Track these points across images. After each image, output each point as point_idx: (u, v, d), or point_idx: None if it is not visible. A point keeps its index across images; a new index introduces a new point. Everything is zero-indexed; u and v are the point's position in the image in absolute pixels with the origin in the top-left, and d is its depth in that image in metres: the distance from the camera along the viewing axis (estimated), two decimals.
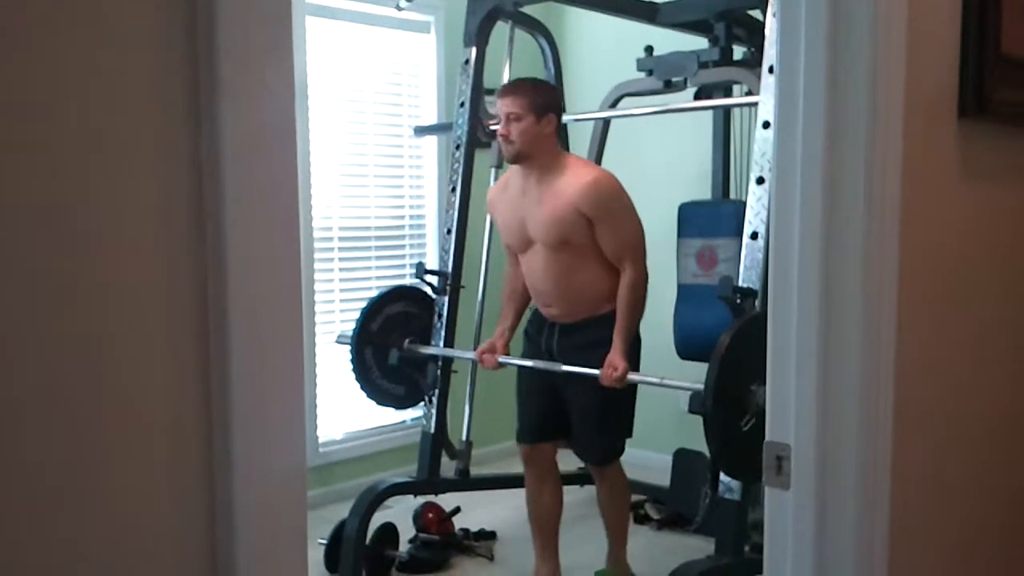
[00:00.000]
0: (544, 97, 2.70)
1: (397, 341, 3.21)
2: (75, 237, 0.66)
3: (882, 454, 1.30)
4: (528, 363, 2.81)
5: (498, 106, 2.70)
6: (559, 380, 2.76)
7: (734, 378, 2.31)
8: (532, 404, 2.89)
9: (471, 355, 3.03)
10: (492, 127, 3.17)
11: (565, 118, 3.81)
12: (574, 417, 2.78)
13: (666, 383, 2.61)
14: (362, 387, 3.24)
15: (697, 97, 3.53)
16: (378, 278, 4.13)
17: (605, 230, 2.64)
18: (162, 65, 0.70)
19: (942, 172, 1.48)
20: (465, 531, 3.35)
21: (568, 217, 2.62)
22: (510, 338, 2.98)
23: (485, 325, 3.38)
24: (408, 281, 3.85)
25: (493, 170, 3.49)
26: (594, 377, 2.62)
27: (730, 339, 2.32)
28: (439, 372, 3.24)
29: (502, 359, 2.90)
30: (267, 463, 0.78)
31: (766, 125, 2.57)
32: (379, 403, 3.33)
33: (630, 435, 2.85)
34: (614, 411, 2.74)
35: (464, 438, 3.35)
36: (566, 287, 2.72)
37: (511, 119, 2.64)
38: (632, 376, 2.62)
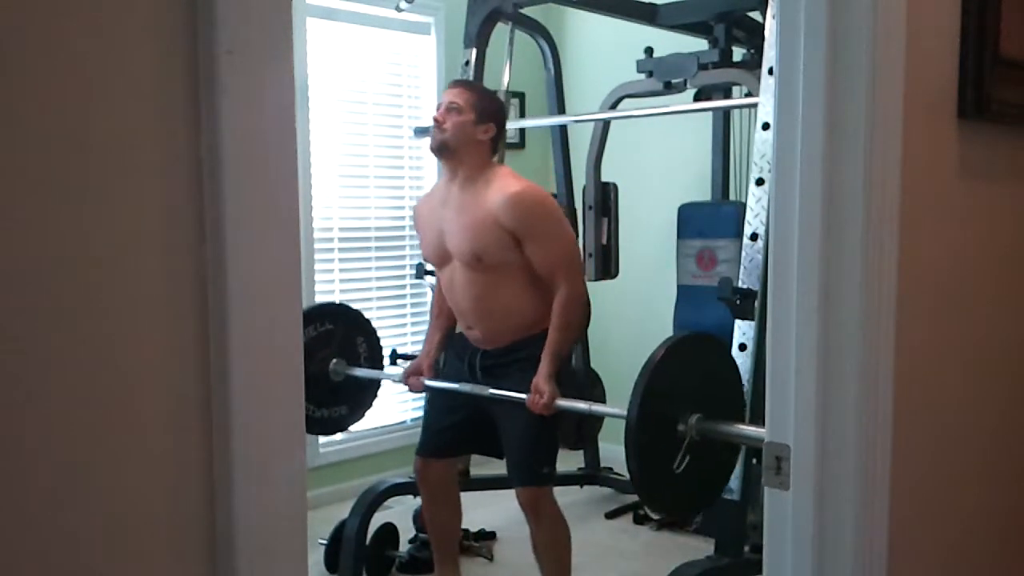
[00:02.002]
0: (491, 105, 2.58)
1: (323, 364, 2.97)
2: (75, 237, 0.66)
3: (882, 454, 1.30)
4: (454, 386, 2.65)
5: (443, 95, 2.58)
6: (484, 400, 2.59)
7: (661, 410, 2.08)
8: (439, 421, 2.75)
9: (397, 375, 2.88)
10: None
11: (565, 119, 3.83)
12: (503, 438, 2.60)
13: (595, 410, 2.49)
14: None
15: (697, 99, 3.54)
16: (378, 278, 4.14)
17: (534, 247, 2.45)
18: (162, 65, 0.70)
19: (941, 173, 1.48)
20: (465, 531, 3.35)
21: (486, 231, 2.44)
22: (436, 358, 2.82)
23: None
24: (329, 299, 3.81)
25: None
26: (521, 390, 2.47)
27: (658, 362, 2.10)
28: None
29: (428, 382, 2.75)
30: (267, 463, 0.78)
31: (766, 126, 2.57)
32: (323, 433, 3.18)
33: (554, 461, 2.60)
34: (540, 426, 2.51)
35: None
36: (486, 309, 2.55)
37: (450, 108, 2.51)
38: (560, 402, 2.42)
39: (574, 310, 2.50)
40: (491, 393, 2.55)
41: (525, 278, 2.50)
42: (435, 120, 2.52)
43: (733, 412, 2.22)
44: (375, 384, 3.06)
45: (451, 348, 2.79)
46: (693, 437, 2.04)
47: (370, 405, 3.11)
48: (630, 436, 2.01)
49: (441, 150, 2.53)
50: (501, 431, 2.60)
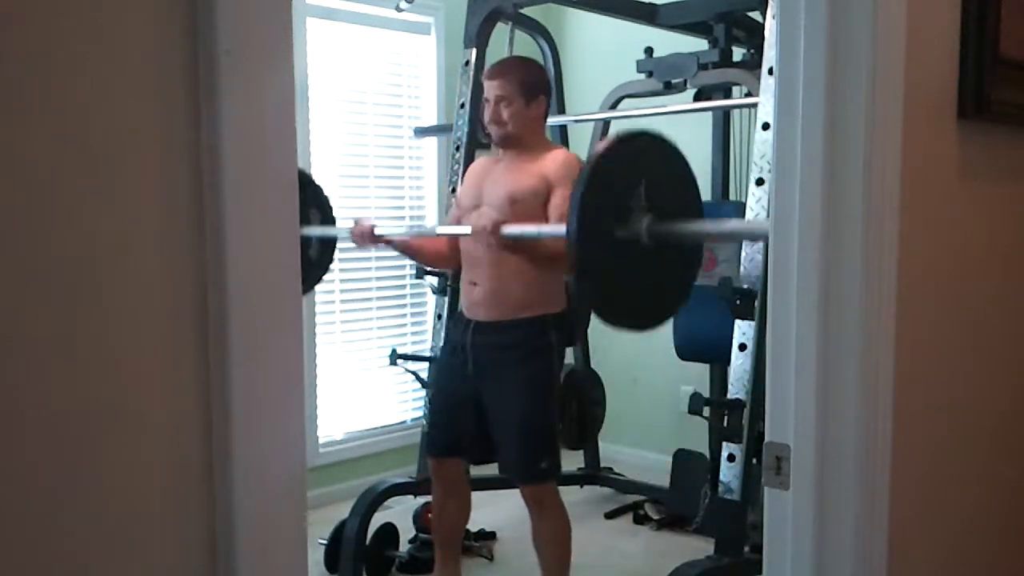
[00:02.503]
0: (532, 79, 2.59)
1: None
2: (75, 237, 0.66)
3: (882, 454, 1.30)
4: (400, 231, 2.61)
5: (486, 88, 2.59)
6: (476, 387, 2.60)
7: (604, 216, 1.89)
8: (445, 418, 2.75)
9: (345, 232, 2.78)
10: None
11: (565, 119, 3.83)
12: (493, 427, 2.60)
13: (543, 231, 2.34)
14: None
15: (697, 99, 3.54)
16: (378, 278, 4.14)
17: (559, 192, 2.44)
18: (162, 65, 0.70)
19: (941, 172, 1.48)
20: (465, 531, 3.35)
21: (529, 178, 2.50)
22: (389, 237, 2.75)
23: None
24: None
25: None
26: (512, 383, 2.49)
27: (595, 164, 1.91)
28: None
29: (378, 231, 2.70)
30: (267, 463, 0.78)
31: (765, 126, 2.57)
32: None
33: (557, 455, 2.62)
34: (534, 419, 2.53)
35: None
36: (500, 260, 2.50)
37: (500, 101, 2.54)
38: (507, 229, 2.35)
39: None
40: (479, 382, 2.52)
41: (542, 254, 2.46)
42: (492, 119, 2.56)
43: (689, 213, 2.03)
44: (329, 243, 2.95)
45: (447, 342, 2.80)
46: (645, 240, 1.91)
47: (326, 267, 2.99)
48: (576, 231, 1.88)
49: (507, 143, 2.59)
50: (493, 428, 2.59)
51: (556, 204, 2.47)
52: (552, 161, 2.53)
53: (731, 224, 2.75)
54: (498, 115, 2.55)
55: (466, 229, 2.48)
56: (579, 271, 1.96)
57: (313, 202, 2.93)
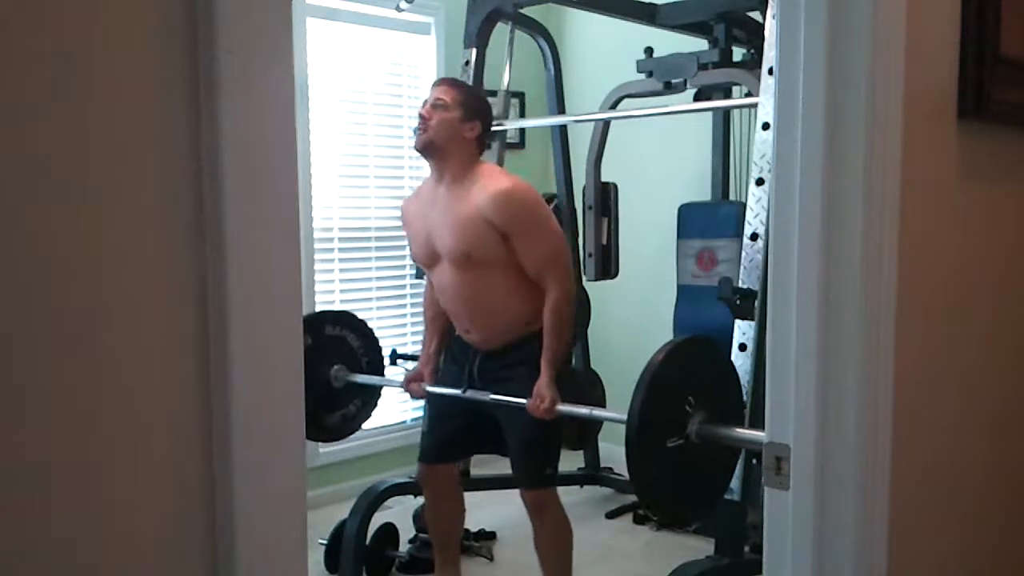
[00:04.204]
0: (476, 103, 2.54)
1: (324, 370, 2.94)
2: (75, 237, 0.66)
3: (882, 454, 1.30)
4: (456, 392, 2.64)
5: (429, 92, 2.55)
6: (486, 404, 2.59)
7: (661, 414, 2.03)
8: (441, 427, 2.75)
9: (398, 385, 2.86)
10: (495, 127, 3.13)
11: (565, 119, 3.83)
12: (508, 440, 2.60)
13: (596, 415, 2.48)
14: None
15: (697, 99, 3.54)
16: (378, 278, 4.14)
17: (521, 245, 2.43)
18: (162, 65, 0.70)
19: (942, 172, 1.48)
20: (465, 531, 3.35)
21: (474, 228, 2.41)
22: (437, 363, 2.80)
23: None
24: (329, 299, 3.80)
25: None
26: (521, 392, 2.47)
27: (658, 365, 2.06)
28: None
29: (430, 388, 2.74)
30: (267, 463, 0.78)
31: (766, 126, 2.57)
32: (326, 440, 3.18)
33: (556, 462, 2.63)
34: (544, 425, 2.51)
35: None
36: (478, 309, 2.53)
37: (436, 105, 2.48)
38: (561, 407, 2.42)
39: (565, 312, 2.49)
40: (492, 399, 2.55)
41: (515, 275, 2.48)
42: (420, 116, 2.50)
43: (733, 416, 2.21)
44: (376, 390, 3.06)
45: (449, 353, 2.79)
46: (694, 441, 2.03)
47: (371, 412, 3.10)
48: (631, 441, 1.99)
49: (427, 149, 2.50)
50: (505, 434, 2.60)
51: (525, 256, 2.44)
52: (485, 192, 2.42)
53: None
54: (427, 117, 2.48)
55: (520, 401, 2.47)
56: (638, 482, 2.05)
57: (365, 350, 3.03)
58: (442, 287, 2.59)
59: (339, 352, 2.97)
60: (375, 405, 3.09)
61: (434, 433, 2.79)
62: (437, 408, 2.80)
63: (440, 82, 2.60)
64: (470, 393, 2.60)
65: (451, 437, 2.73)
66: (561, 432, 2.61)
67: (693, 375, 2.14)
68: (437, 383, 2.75)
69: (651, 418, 2.02)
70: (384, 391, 3.10)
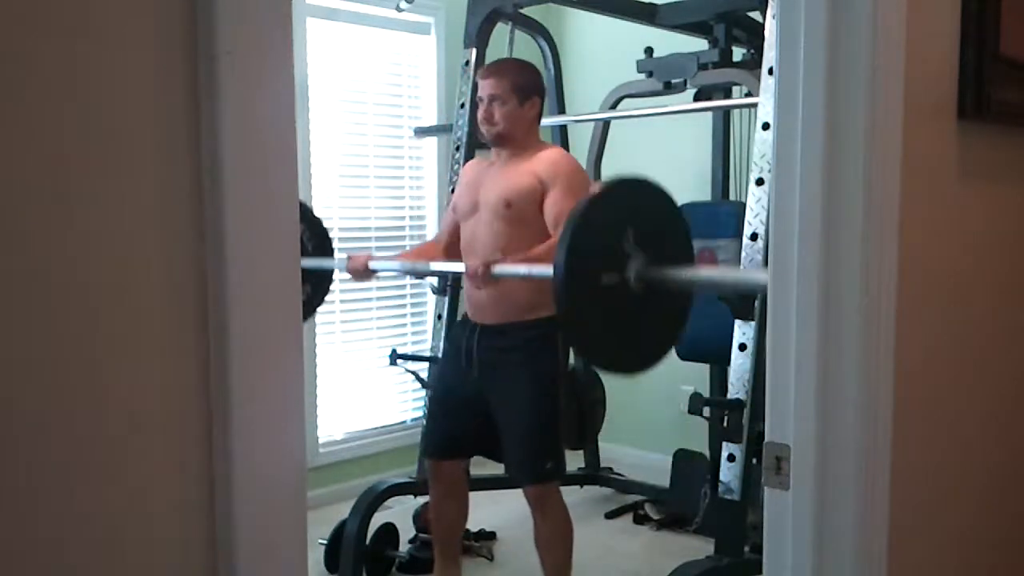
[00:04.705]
0: (527, 80, 2.62)
1: None
2: (75, 237, 0.66)
3: (882, 454, 1.30)
4: (395, 265, 2.77)
5: (480, 87, 2.62)
6: (481, 389, 2.61)
7: (593, 259, 1.90)
8: (444, 421, 2.76)
9: (341, 263, 2.83)
10: None
11: (565, 119, 3.83)
12: (499, 428, 2.60)
13: (532, 272, 2.26)
14: None
15: (697, 99, 3.54)
16: (378, 278, 4.13)
17: (552, 197, 2.50)
18: (162, 65, 0.70)
19: (942, 172, 1.48)
20: (465, 531, 3.35)
21: (519, 180, 2.53)
22: (390, 268, 2.88)
23: None
24: (328, 298, 3.74)
25: None
26: (518, 384, 2.51)
27: (584, 208, 1.93)
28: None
29: (373, 265, 2.76)
30: (267, 463, 0.78)
31: (765, 126, 2.57)
32: None
33: (561, 456, 2.62)
34: (540, 418, 2.54)
35: None
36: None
37: (493, 100, 2.58)
38: (498, 268, 2.34)
39: None
40: (483, 383, 2.54)
41: (537, 241, 2.48)
42: (484, 118, 2.60)
43: (681, 262, 2.06)
44: (327, 274, 2.98)
45: (448, 337, 2.80)
46: (634, 284, 1.91)
47: (323, 298, 3.02)
48: (560, 291, 1.87)
49: (500, 142, 2.62)
50: (500, 429, 2.60)
51: (550, 207, 2.50)
52: (544, 160, 2.56)
53: (726, 274, 2.70)
54: (490, 114, 2.58)
55: (459, 267, 2.55)
56: (564, 316, 1.95)
57: (311, 234, 2.97)
58: (472, 238, 2.65)
59: None
60: (326, 291, 3.02)
61: (438, 428, 2.79)
62: (438, 406, 2.81)
63: (486, 75, 2.64)
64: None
65: (453, 433, 2.74)
66: (559, 427, 2.60)
67: (636, 214, 2.01)
68: (437, 372, 2.77)
69: (580, 246, 1.89)
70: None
